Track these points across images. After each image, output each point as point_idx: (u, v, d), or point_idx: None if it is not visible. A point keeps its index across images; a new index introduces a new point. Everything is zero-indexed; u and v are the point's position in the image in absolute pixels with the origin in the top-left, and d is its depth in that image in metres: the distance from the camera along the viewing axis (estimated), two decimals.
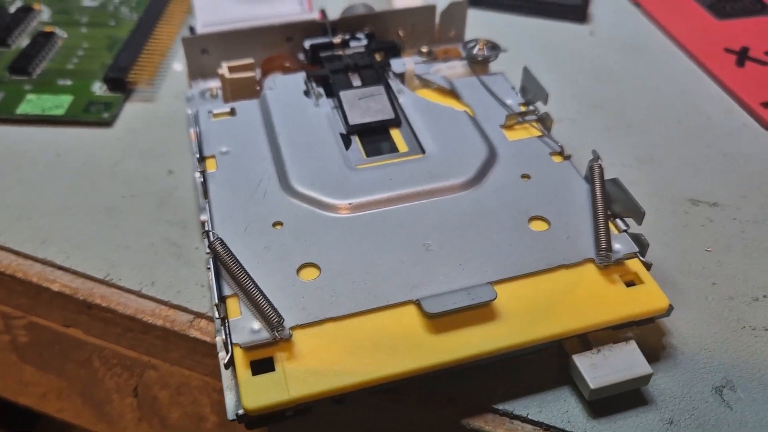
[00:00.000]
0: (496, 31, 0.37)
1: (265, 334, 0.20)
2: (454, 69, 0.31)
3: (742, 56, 0.36)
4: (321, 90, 0.29)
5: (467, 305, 0.21)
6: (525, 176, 0.25)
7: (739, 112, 0.33)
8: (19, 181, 0.30)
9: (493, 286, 0.21)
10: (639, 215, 0.23)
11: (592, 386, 0.20)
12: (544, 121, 0.27)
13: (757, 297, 0.25)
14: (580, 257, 0.22)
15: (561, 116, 0.32)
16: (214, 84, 0.32)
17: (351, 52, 0.31)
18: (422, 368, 0.20)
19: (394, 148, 0.27)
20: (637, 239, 0.23)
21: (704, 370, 0.22)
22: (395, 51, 0.32)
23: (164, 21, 0.39)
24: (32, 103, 0.33)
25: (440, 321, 0.21)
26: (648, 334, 0.23)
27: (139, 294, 0.25)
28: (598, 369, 0.21)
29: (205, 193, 0.25)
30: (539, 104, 0.28)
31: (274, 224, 0.23)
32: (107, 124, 0.33)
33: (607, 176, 0.24)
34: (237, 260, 0.21)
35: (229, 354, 0.20)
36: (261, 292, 0.20)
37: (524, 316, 0.21)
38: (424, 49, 0.32)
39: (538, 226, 0.23)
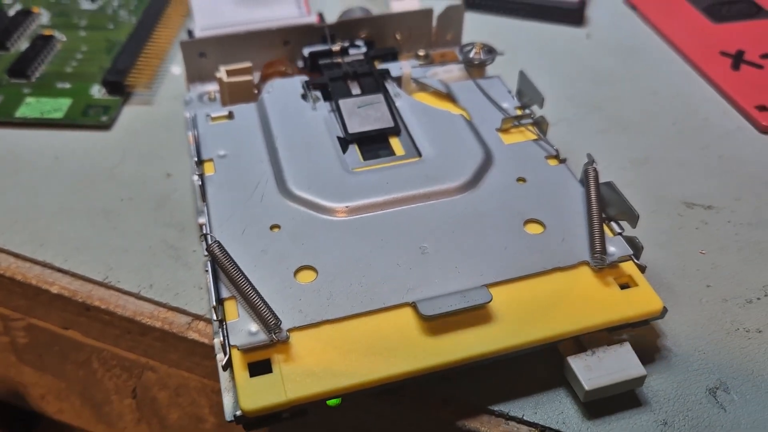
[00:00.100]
0: (493, 34, 0.37)
1: (262, 336, 0.20)
2: (450, 72, 0.31)
3: (738, 59, 0.36)
4: (318, 93, 0.29)
5: (463, 308, 0.21)
6: (521, 179, 0.25)
7: (734, 115, 0.33)
8: (18, 184, 0.30)
9: (488, 288, 0.21)
10: (633, 218, 0.23)
11: (586, 388, 0.21)
12: (540, 124, 0.27)
13: (750, 299, 0.25)
14: (575, 260, 0.22)
15: (557, 119, 0.33)
16: (212, 87, 0.32)
17: (350, 59, 0.31)
18: (418, 370, 0.20)
19: (390, 152, 0.27)
20: (632, 242, 0.23)
21: (698, 372, 0.23)
22: (394, 58, 0.32)
23: (162, 24, 0.39)
24: (31, 106, 0.33)
25: (436, 323, 0.21)
26: (642, 335, 0.23)
27: (137, 296, 0.25)
28: (593, 371, 0.21)
29: (203, 196, 0.25)
30: (535, 108, 0.28)
31: (272, 227, 0.23)
32: (106, 127, 0.33)
33: (603, 179, 0.24)
34: (235, 263, 0.21)
35: (227, 356, 0.20)
36: (258, 294, 0.21)
37: (519, 319, 0.21)
38: (421, 53, 0.32)
39: (533, 228, 0.23)
